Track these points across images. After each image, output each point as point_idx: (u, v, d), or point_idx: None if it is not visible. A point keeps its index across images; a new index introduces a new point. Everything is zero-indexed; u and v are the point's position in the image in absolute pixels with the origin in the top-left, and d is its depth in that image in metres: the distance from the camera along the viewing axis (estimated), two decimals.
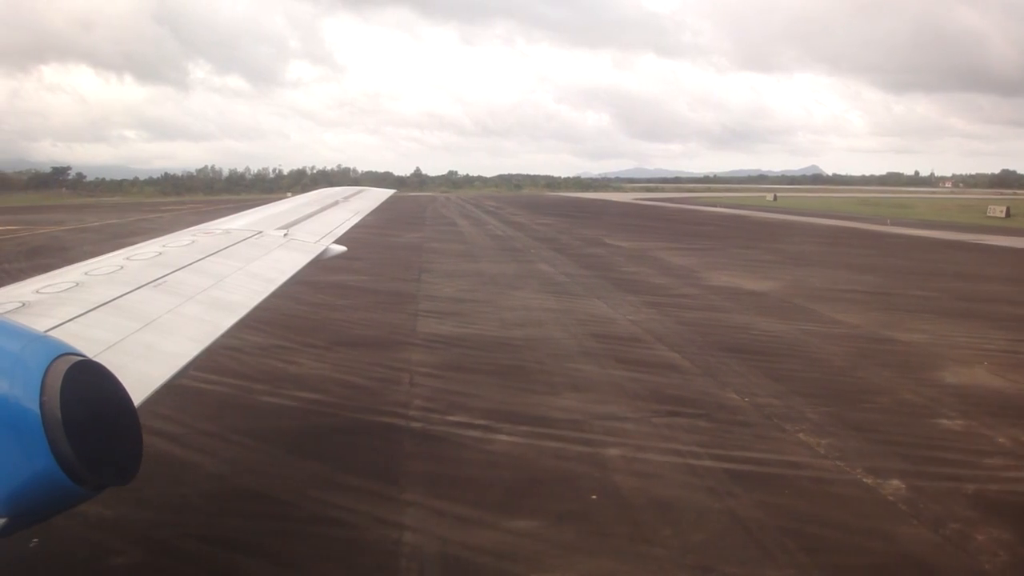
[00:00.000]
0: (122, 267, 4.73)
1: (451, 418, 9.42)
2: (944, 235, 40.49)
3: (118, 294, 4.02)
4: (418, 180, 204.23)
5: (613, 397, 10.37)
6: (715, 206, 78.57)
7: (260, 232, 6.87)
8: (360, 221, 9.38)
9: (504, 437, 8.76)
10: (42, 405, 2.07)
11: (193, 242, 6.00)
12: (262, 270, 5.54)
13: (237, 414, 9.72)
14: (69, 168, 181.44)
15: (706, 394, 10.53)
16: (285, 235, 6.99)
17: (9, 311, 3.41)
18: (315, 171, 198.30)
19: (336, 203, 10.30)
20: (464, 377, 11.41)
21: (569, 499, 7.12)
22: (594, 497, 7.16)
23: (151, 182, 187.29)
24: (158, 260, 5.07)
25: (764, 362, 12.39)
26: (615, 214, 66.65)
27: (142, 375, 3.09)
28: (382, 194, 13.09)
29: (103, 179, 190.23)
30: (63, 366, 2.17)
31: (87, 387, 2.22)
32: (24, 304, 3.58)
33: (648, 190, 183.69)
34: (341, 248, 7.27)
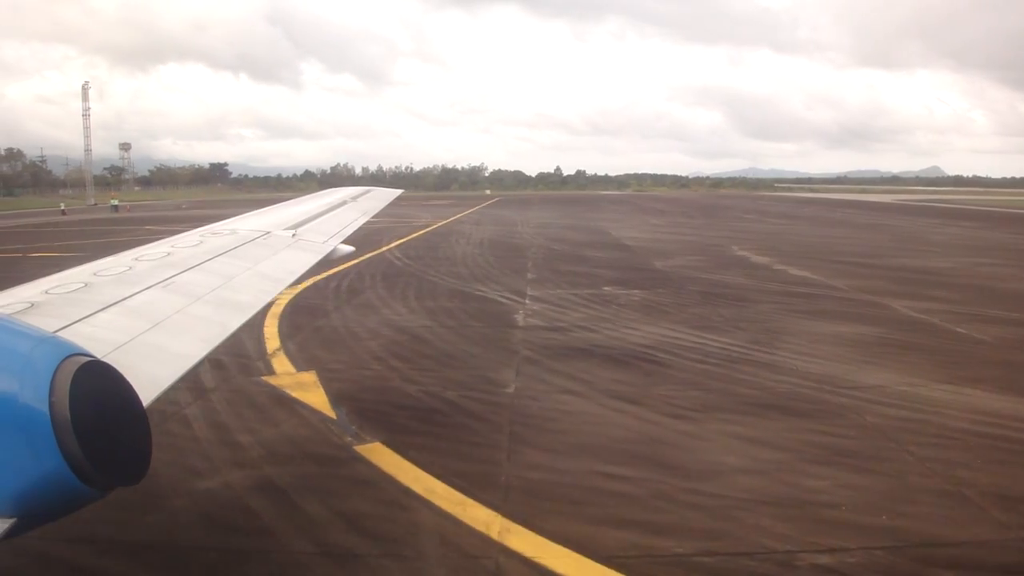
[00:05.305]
0: (131, 267, 4.72)
1: None
2: None
3: (127, 294, 4.01)
4: (559, 179, 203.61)
5: None
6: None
7: (268, 232, 6.84)
8: (369, 221, 9.34)
9: None
10: (51, 405, 2.05)
11: (201, 242, 5.99)
12: (270, 270, 5.52)
13: None
14: (226, 164, 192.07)
15: None
16: (293, 235, 6.95)
17: (18, 312, 3.41)
18: (451, 168, 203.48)
19: (344, 203, 10.27)
20: None
21: None
22: None
23: (303, 178, 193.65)
24: (167, 260, 5.06)
25: None
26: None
27: (151, 375, 3.07)
28: (390, 194, 13.04)
29: (245, 176, 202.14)
30: (72, 367, 2.16)
31: (96, 387, 2.20)
32: (33, 304, 3.57)
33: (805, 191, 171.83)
34: (349, 248, 7.22)
